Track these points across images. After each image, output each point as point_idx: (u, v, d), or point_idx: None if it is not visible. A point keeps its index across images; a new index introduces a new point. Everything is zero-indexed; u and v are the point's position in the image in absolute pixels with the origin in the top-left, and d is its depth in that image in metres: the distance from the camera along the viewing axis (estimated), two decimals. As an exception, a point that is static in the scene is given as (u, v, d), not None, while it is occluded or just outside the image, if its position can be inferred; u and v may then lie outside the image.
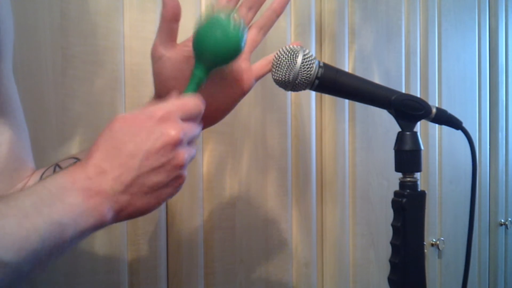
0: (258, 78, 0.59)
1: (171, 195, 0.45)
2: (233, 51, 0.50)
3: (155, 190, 0.43)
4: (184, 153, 0.44)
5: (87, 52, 0.72)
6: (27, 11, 0.67)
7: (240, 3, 0.56)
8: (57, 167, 0.54)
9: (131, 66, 0.77)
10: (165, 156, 0.42)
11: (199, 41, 0.49)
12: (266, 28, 0.58)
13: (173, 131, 0.42)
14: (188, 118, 0.45)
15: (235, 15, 0.49)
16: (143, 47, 0.77)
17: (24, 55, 0.66)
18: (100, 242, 0.73)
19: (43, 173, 0.53)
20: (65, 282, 0.70)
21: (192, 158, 0.47)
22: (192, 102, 0.46)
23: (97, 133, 0.43)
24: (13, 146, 0.50)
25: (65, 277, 0.70)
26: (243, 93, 0.57)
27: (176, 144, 0.43)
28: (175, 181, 0.44)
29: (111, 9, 0.74)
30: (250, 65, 0.58)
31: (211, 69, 0.50)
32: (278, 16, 0.58)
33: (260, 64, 0.59)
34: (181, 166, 0.44)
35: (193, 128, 0.46)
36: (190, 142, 0.46)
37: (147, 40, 0.77)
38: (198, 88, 0.50)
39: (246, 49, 0.56)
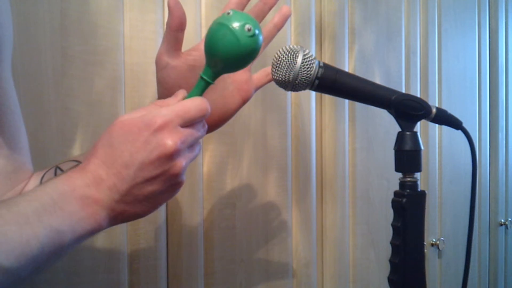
0: (258, 88, 0.61)
1: (168, 199, 0.46)
2: (245, 59, 0.47)
3: (150, 198, 0.43)
4: (181, 162, 0.43)
5: (87, 52, 0.72)
6: (27, 11, 0.67)
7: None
8: (58, 170, 0.54)
9: (131, 66, 0.77)
10: (160, 167, 0.42)
11: (211, 44, 0.46)
12: (267, 41, 0.59)
13: (170, 141, 0.42)
14: (189, 124, 0.45)
15: (252, 20, 0.45)
16: (143, 47, 0.77)
17: (24, 55, 0.66)
18: (100, 242, 0.73)
19: (43, 176, 0.53)
20: (65, 281, 0.70)
21: (194, 158, 0.46)
22: (194, 107, 0.45)
23: (97, 133, 0.44)
24: (12, 148, 0.50)
25: (65, 276, 0.70)
26: (243, 102, 0.58)
27: (172, 154, 0.42)
28: (172, 187, 0.44)
29: (111, 9, 0.74)
30: (251, 75, 0.59)
31: (220, 74, 0.48)
32: (278, 30, 0.60)
33: (260, 75, 0.61)
34: (178, 175, 0.43)
35: (195, 133, 0.45)
36: (193, 144, 0.46)
37: (147, 40, 0.78)
38: (203, 92, 0.48)
39: None
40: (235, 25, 0.44)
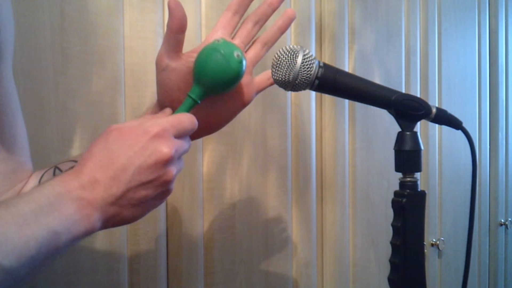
0: (259, 91, 0.60)
1: (156, 206, 0.48)
2: (232, 82, 0.52)
3: (142, 203, 0.45)
4: (173, 170, 0.46)
5: (87, 52, 0.72)
6: (27, 11, 0.67)
7: (246, 17, 0.57)
8: (56, 170, 0.54)
9: (131, 66, 0.77)
10: (155, 173, 0.44)
11: (204, 65, 0.51)
12: (270, 44, 0.59)
13: (166, 148, 0.44)
14: (181, 135, 0.47)
15: (239, 48, 0.51)
16: (143, 47, 0.77)
17: (24, 55, 0.66)
18: (100, 242, 0.73)
19: (42, 176, 0.53)
20: (65, 282, 0.70)
21: (179, 171, 0.49)
22: (186, 119, 0.48)
23: (97, 133, 0.44)
24: (12, 148, 0.50)
25: (65, 277, 0.70)
26: (244, 105, 0.58)
27: (168, 161, 0.44)
28: (162, 195, 0.46)
29: (111, 9, 0.74)
30: (252, 78, 0.58)
31: (207, 95, 0.52)
32: (282, 33, 0.59)
33: (262, 78, 0.60)
34: (169, 182, 0.46)
35: (184, 145, 0.48)
36: (180, 156, 0.48)
37: (147, 40, 0.78)
38: (189, 111, 0.51)
39: (249, 63, 0.57)
40: (227, 51, 0.51)
